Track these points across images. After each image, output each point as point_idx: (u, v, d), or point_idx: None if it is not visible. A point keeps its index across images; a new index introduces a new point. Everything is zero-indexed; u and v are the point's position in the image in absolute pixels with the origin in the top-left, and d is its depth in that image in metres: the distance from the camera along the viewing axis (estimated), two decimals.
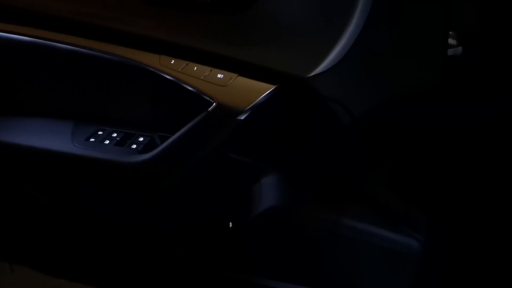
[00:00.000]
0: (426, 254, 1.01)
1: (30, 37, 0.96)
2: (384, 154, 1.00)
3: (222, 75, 0.92)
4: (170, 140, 0.93)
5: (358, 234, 1.02)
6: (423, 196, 1.02)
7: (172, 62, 0.93)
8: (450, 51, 0.89)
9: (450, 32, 0.89)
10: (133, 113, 1.02)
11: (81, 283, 1.11)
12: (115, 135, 1.01)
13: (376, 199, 1.04)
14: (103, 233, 1.05)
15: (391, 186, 1.03)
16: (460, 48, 0.89)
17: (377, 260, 1.01)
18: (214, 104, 0.91)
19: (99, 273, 1.11)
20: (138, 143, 1.00)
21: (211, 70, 0.92)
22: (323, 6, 0.85)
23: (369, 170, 1.02)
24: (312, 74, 0.87)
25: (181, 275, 1.10)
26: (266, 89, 0.90)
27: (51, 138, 0.99)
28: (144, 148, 0.99)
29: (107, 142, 1.00)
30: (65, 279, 1.15)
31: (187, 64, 0.93)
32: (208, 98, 0.92)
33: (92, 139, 1.00)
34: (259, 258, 1.07)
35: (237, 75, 0.91)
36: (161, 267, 1.08)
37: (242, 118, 0.90)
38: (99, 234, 1.05)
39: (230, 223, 1.03)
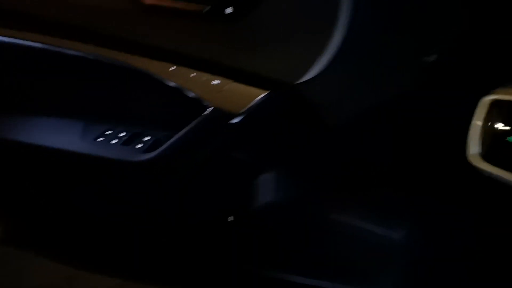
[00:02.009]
0: (416, 249, 1.04)
1: (40, 43, 1.04)
2: (377, 152, 1.04)
3: (218, 81, 0.97)
4: (169, 141, 1.00)
5: (351, 229, 1.07)
6: (415, 191, 1.05)
7: (172, 69, 1.00)
8: (434, 56, 0.93)
9: (435, 36, 0.92)
10: (139, 115, 1.09)
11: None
12: (122, 134, 1.08)
13: (371, 196, 1.08)
14: (108, 232, 1.12)
15: (385, 183, 1.06)
16: (444, 52, 0.93)
17: (368, 254, 1.05)
18: (210, 108, 0.97)
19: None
20: (143, 142, 1.07)
21: (207, 76, 0.98)
22: (307, 14, 0.89)
23: (363, 168, 1.06)
24: (302, 80, 0.92)
25: (188, 270, 1.17)
26: (259, 94, 0.95)
27: (61, 137, 1.07)
28: (149, 147, 1.06)
29: (115, 141, 1.07)
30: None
31: (185, 70, 0.99)
32: (205, 102, 0.98)
33: (100, 139, 1.08)
34: (259, 251, 1.13)
35: (232, 81, 0.97)
36: (167, 264, 1.15)
37: (236, 121, 0.96)
38: (104, 233, 1.12)
39: (230, 217, 1.09)
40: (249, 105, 0.95)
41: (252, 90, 0.95)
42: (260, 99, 0.94)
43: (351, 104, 0.96)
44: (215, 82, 0.97)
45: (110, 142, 1.06)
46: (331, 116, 0.97)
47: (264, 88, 0.94)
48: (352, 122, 0.96)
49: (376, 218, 1.07)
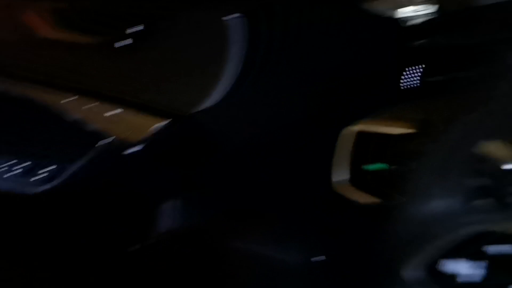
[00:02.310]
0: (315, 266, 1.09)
1: None
2: (272, 175, 1.09)
3: (116, 111, 0.99)
4: (66, 173, 1.00)
5: (252, 254, 1.10)
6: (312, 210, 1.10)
7: (70, 100, 1.00)
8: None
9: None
10: (37, 147, 1.08)
11: None
12: (19, 167, 1.07)
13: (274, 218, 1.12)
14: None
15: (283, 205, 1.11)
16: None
17: (273, 274, 1.09)
18: (109, 138, 0.99)
19: None
20: (42, 174, 1.06)
21: (106, 107, 1.00)
22: (202, 48, 0.95)
23: (261, 191, 1.10)
24: (196, 110, 0.97)
25: None
26: (157, 123, 0.98)
27: None
28: (48, 179, 1.05)
29: (11, 174, 1.06)
30: None
31: (83, 101, 1.00)
32: (103, 133, 0.99)
33: None
34: (161, 279, 1.14)
35: (130, 111, 0.99)
36: None
37: (135, 150, 0.98)
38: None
39: (136, 245, 1.10)
40: (148, 134, 0.98)
41: (150, 119, 0.97)
42: (158, 127, 0.97)
43: (245, 131, 1.01)
44: (114, 112, 0.99)
45: (5, 175, 1.05)
46: (226, 143, 1.01)
47: (162, 117, 0.97)
48: (247, 149, 1.01)
49: (276, 242, 1.12)
